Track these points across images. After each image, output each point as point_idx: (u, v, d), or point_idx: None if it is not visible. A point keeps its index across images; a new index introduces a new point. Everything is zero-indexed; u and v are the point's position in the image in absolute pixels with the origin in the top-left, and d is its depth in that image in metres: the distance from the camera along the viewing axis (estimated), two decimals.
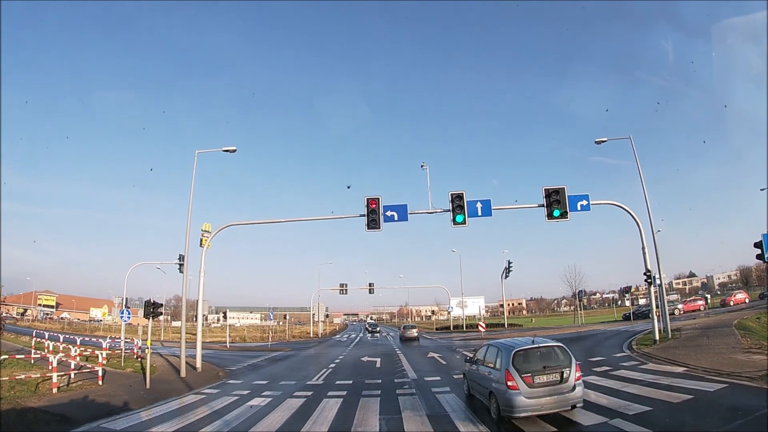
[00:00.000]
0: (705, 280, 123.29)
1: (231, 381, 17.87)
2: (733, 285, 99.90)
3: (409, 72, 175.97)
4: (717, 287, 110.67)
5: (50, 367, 15.05)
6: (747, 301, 47.86)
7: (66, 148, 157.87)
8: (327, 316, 74.14)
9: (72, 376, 16.42)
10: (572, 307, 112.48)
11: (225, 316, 58.61)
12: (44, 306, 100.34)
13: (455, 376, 16.33)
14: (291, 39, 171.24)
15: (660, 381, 12.58)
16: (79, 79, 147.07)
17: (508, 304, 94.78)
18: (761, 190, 30.03)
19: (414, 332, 44.32)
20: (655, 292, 22.99)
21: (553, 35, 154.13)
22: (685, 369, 14.17)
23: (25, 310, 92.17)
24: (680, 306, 47.76)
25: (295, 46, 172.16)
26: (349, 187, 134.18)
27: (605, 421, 8.78)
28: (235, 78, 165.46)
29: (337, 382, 16.34)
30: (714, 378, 12.30)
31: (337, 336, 63.58)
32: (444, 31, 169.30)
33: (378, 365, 21.92)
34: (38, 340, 29.53)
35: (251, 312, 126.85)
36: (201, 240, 23.13)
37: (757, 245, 16.00)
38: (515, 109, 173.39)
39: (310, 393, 14.19)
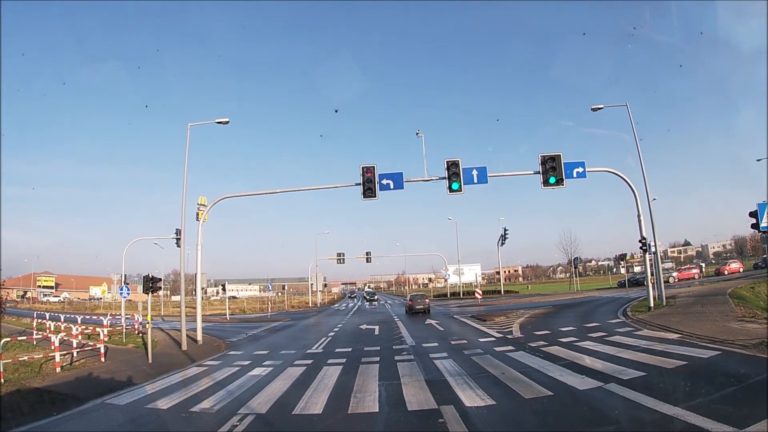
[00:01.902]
0: (700, 249, 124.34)
1: (232, 352, 18.05)
2: (728, 254, 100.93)
3: (403, 41, 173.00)
4: (712, 256, 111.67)
5: (53, 347, 15.05)
6: (741, 270, 48.21)
7: (57, 126, 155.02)
8: (325, 285, 74.80)
9: (75, 354, 16.53)
10: (567, 274, 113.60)
11: (224, 289, 58.76)
12: (44, 287, 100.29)
13: (453, 342, 16.64)
14: (283, 10, 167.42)
15: (654, 347, 12.73)
16: (67, 54, 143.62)
17: (504, 271, 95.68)
18: (758, 160, 30.03)
19: (425, 302, 35.70)
20: (650, 259, 23.17)
21: None
22: (679, 336, 14.35)
23: (25, 293, 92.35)
24: (675, 274, 48.26)
25: (287, 18, 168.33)
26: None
27: (600, 386, 8.91)
28: (227, 50, 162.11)
29: (337, 350, 16.58)
30: (708, 345, 12.42)
31: (336, 305, 64.30)
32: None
33: (376, 333, 22.26)
34: (39, 321, 29.74)
35: (250, 284, 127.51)
36: (197, 214, 23.12)
37: (753, 214, 15.94)
38: (508, 77, 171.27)
39: (310, 361, 14.40)
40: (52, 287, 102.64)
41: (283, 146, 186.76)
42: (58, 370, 14.31)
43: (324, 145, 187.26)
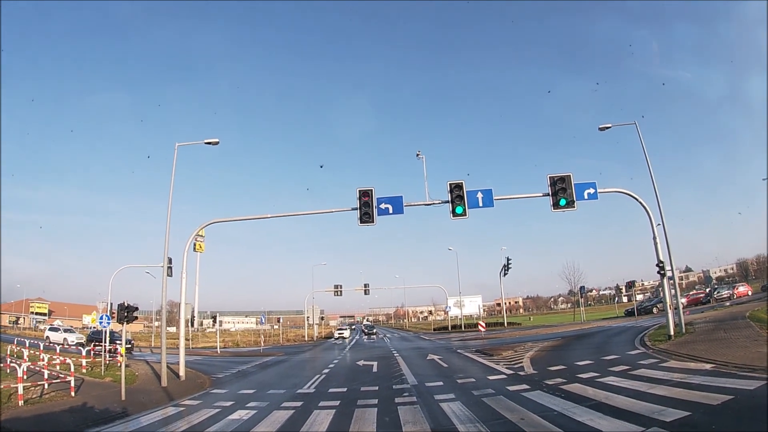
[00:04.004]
0: (702, 275, 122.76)
1: (215, 390, 16.48)
2: (730, 279, 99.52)
3: (403, 66, 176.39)
4: (715, 281, 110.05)
5: (23, 377, 14.01)
6: (750, 293, 47.02)
7: (56, 154, 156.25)
8: (322, 318, 72.82)
9: (46, 386, 15.34)
10: (569, 305, 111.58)
11: (215, 320, 56.95)
12: (37, 314, 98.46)
13: (459, 381, 14.96)
14: (283, 39, 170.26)
15: (689, 380, 11.27)
16: (62, 83, 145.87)
17: (505, 303, 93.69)
18: (762, 180, 29.28)
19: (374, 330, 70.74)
20: (670, 283, 21.74)
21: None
22: (713, 366, 12.89)
23: (17, 319, 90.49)
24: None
25: (285, 46, 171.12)
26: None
27: (641, 431, 7.48)
28: (228, 80, 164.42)
29: (330, 390, 14.92)
30: (748, 374, 11.05)
31: (333, 339, 62.34)
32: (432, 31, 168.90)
33: (375, 369, 20.53)
34: (18, 348, 28.31)
35: (246, 316, 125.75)
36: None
37: None
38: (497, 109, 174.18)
39: (299, 403, 12.78)
40: (45, 314, 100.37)
41: (287, 178, 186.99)
42: (20, 403, 13.19)
43: (323, 175, 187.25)
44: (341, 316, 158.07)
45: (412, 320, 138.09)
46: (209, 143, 21.83)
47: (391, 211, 20.92)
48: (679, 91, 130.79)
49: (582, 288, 56.29)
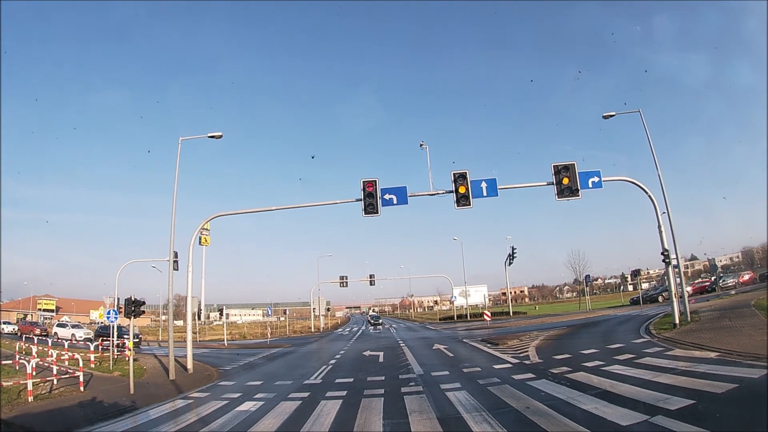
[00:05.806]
0: (707, 263, 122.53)
1: (223, 382, 16.58)
2: (735, 267, 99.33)
3: (402, 63, 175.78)
4: (720, 269, 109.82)
5: (33, 373, 14.10)
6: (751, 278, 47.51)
7: (60, 152, 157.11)
8: (328, 309, 73.11)
9: (55, 382, 15.39)
10: (575, 294, 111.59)
11: (222, 313, 57.21)
12: (44, 310, 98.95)
13: (465, 370, 15.04)
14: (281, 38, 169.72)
15: (694, 369, 11.33)
16: (65, 83, 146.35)
17: (510, 292, 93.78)
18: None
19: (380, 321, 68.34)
20: (674, 272, 21.73)
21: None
22: (718, 354, 12.95)
23: (25, 316, 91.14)
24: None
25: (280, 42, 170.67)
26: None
27: (646, 419, 7.49)
28: (229, 79, 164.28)
29: (337, 381, 15.00)
30: (753, 363, 11.10)
31: (339, 330, 62.56)
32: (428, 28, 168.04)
33: (381, 360, 20.64)
34: (26, 345, 28.53)
35: (253, 308, 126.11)
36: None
37: None
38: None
39: (306, 394, 12.88)
40: (52, 311, 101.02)
41: (287, 175, 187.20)
42: (30, 399, 13.19)
43: (325, 172, 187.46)
44: (347, 307, 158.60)
45: (418, 310, 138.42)
46: (213, 137, 21.86)
47: (395, 201, 20.91)
48: (662, 78, 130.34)
49: (587, 277, 56.33)
